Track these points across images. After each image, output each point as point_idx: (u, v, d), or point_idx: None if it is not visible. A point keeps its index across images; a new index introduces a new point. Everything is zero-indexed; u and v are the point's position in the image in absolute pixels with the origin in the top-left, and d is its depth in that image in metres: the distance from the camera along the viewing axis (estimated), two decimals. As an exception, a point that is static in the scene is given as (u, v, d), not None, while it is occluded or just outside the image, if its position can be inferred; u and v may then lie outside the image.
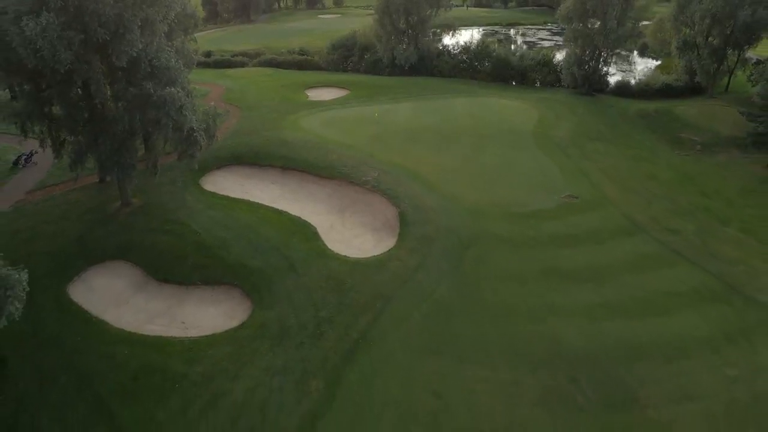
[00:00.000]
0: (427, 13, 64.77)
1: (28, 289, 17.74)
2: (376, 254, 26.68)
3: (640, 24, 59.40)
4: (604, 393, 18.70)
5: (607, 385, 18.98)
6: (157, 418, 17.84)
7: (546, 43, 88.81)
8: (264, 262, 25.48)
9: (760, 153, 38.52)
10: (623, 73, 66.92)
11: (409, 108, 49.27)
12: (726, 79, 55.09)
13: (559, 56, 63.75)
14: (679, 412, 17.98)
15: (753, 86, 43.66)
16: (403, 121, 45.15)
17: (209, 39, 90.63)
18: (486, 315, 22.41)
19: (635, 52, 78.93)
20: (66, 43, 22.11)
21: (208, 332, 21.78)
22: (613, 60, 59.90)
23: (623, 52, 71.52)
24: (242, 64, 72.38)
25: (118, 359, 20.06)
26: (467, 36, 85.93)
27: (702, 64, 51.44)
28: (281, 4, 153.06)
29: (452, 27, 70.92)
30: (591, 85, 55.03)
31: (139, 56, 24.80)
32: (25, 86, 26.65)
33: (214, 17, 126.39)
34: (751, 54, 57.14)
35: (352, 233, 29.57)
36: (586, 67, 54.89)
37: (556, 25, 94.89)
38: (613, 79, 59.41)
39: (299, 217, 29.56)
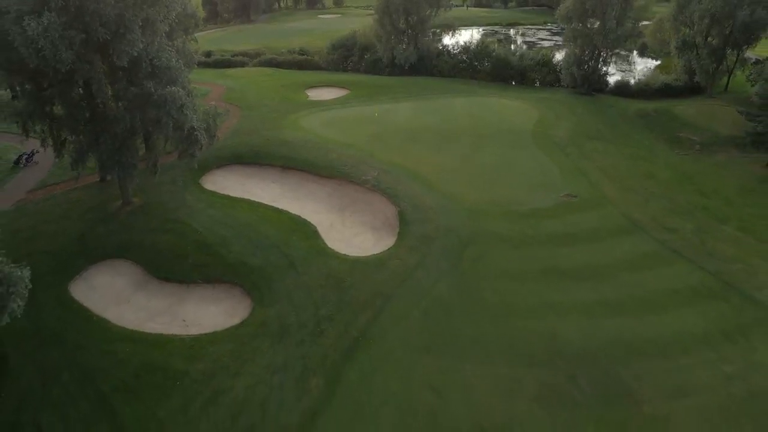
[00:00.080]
0: (427, 13, 64.80)
1: (30, 286, 17.78)
2: (375, 253, 26.82)
3: (640, 24, 59.45)
4: (601, 389, 18.81)
5: (604, 382, 19.09)
6: (158, 415, 17.97)
7: (546, 43, 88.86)
8: (264, 260, 25.63)
9: (759, 152, 38.54)
10: (623, 73, 66.89)
11: (408, 108, 49.34)
12: (725, 79, 55.15)
13: (559, 56, 63.83)
14: (675, 408, 18.07)
15: (752, 86, 43.65)
16: (402, 121, 45.24)
17: (209, 39, 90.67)
18: (485, 313, 22.50)
19: (635, 52, 78.87)
20: (67, 42, 22.23)
21: (209, 330, 21.92)
22: (613, 60, 59.93)
23: (623, 52, 71.55)
24: (242, 64, 72.48)
25: (120, 357, 20.20)
26: (467, 36, 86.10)
27: (701, 64, 51.50)
28: (281, 4, 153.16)
29: (452, 27, 70.98)
30: (590, 84, 55.08)
31: (140, 56, 24.92)
32: (27, 86, 26.75)
33: (214, 17, 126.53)
34: (750, 54, 57.31)
35: (351, 232, 29.71)
36: (586, 67, 54.95)
37: (555, 25, 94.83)
38: (612, 79, 59.41)
39: (299, 216, 29.70)
